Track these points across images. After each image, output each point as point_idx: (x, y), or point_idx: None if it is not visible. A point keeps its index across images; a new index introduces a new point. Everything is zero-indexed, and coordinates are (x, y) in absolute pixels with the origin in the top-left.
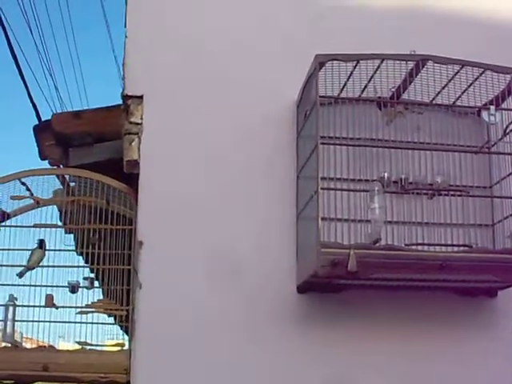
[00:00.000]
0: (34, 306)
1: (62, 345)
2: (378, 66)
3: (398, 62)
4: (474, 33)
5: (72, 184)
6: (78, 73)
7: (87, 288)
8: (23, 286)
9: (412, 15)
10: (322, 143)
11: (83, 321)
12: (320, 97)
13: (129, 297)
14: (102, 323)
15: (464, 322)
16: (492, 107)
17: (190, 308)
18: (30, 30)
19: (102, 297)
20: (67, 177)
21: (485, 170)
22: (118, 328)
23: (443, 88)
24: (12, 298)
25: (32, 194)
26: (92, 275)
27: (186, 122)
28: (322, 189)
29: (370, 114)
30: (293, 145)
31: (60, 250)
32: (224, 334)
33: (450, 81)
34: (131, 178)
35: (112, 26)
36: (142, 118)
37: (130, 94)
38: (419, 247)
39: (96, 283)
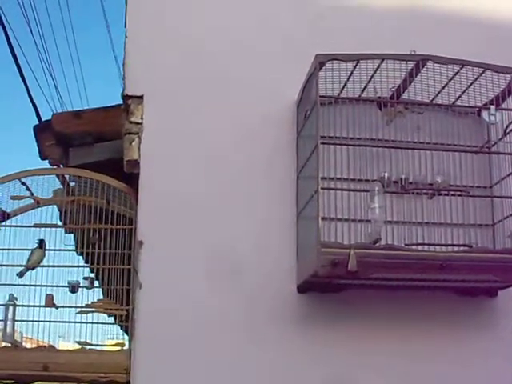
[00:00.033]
0: (34, 306)
1: (62, 345)
2: (378, 66)
3: (398, 61)
4: (473, 33)
5: (72, 184)
6: (78, 73)
7: (87, 288)
8: (23, 285)
9: (412, 15)
10: (322, 143)
11: (83, 321)
12: (320, 97)
13: (129, 297)
14: (102, 323)
15: (464, 322)
16: (492, 107)
17: (189, 308)
18: (30, 29)
19: (102, 297)
20: (67, 176)
21: (485, 170)
22: (118, 328)
23: (443, 88)
24: (12, 298)
25: (32, 194)
26: (92, 275)
27: (186, 122)
28: (322, 188)
29: (370, 114)
30: (293, 145)
31: (60, 250)
32: (224, 334)
33: (450, 81)
34: (131, 178)
35: (112, 26)
36: (142, 118)
37: (130, 93)
38: (419, 247)
39: (96, 283)
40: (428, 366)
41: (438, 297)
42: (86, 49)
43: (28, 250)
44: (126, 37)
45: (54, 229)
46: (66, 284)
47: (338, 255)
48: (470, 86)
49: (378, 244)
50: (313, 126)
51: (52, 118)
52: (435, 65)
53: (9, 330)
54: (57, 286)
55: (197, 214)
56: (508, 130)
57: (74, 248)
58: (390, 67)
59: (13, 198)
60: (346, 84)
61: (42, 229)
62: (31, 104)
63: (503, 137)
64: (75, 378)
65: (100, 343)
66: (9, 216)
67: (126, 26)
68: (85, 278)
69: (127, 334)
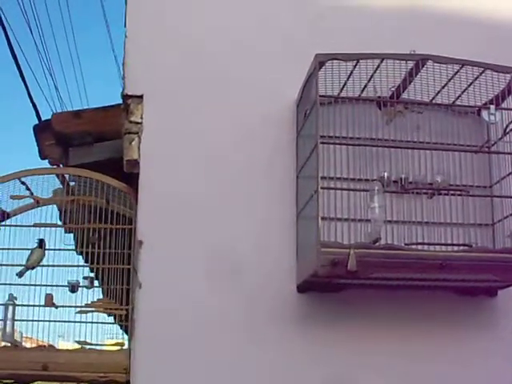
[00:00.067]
0: (33, 306)
1: (62, 344)
2: (378, 66)
3: (397, 61)
4: (473, 33)
5: (72, 183)
6: (78, 73)
7: (87, 287)
8: (23, 285)
9: (412, 15)
10: (322, 143)
11: (83, 320)
12: (320, 96)
13: (128, 296)
14: (101, 323)
15: (464, 322)
16: (492, 107)
17: (189, 307)
18: (30, 29)
19: (101, 296)
20: (67, 176)
21: (485, 170)
22: (118, 327)
23: (443, 87)
24: (12, 298)
25: (32, 194)
26: (92, 274)
27: (186, 122)
28: (321, 188)
29: (369, 114)
30: (293, 144)
31: (60, 250)
32: (224, 334)
33: (449, 80)
34: (131, 178)
35: (112, 25)
36: (141, 118)
37: (129, 93)
38: (419, 247)
39: (96, 283)
40: (428, 366)
41: (438, 296)
42: (85, 49)
43: (28, 249)
44: (125, 36)
45: (53, 228)
46: (66, 284)
47: (337, 255)
48: (469, 85)
49: (377, 244)
50: (312, 125)
51: (52, 117)
52: (435, 64)
53: (8, 329)
54: (56, 286)
55: (196, 213)
56: (508, 130)
57: (73, 248)
58: (390, 67)
59: (12, 197)
60: (345, 84)
61: (42, 228)
62: (31, 104)
63: (503, 136)
64: (75, 377)
65: (100, 343)
66: (8, 215)
67: (125, 26)
68: (84, 278)
69: (127, 333)
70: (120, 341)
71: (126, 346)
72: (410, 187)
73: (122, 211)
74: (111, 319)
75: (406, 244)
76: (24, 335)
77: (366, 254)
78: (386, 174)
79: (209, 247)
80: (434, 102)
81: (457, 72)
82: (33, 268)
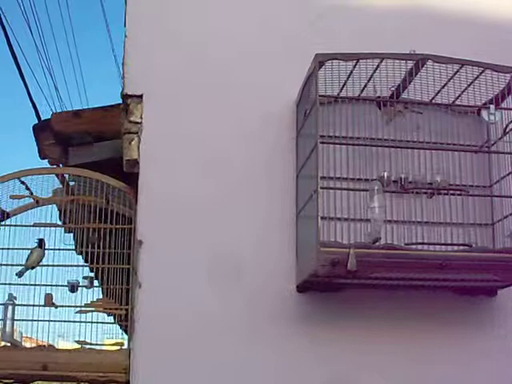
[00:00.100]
0: (33, 305)
1: (62, 344)
2: (378, 66)
3: (397, 61)
4: (473, 33)
5: (71, 183)
6: (78, 72)
7: (87, 287)
8: (23, 285)
9: (412, 15)
10: (322, 142)
11: (83, 320)
12: (320, 96)
13: (128, 296)
14: (101, 322)
15: (464, 321)
16: (492, 106)
17: (189, 307)
18: (30, 29)
19: (101, 296)
20: (67, 176)
21: (484, 169)
22: (118, 327)
23: (443, 87)
24: (11, 297)
25: (31, 193)
26: (91, 274)
27: (186, 121)
28: (321, 188)
29: (369, 114)
30: (292, 144)
31: (59, 250)
32: (223, 333)
33: (449, 80)
34: (131, 177)
35: (112, 26)
36: (141, 117)
37: (129, 93)
38: (419, 246)
39: (95, 282)
40: (427, 365)
41: (438, 296)
42: (85, 49)
43: (27, 249)
44: (125, 36)
45: (53, 228)
46: (66, 283)
47: (337, 255)
48: (469, 85)
49: (377, 243)
50: (312, 125)
51: (51, 117)
52: (435, 64)
53: (8, 329)
54: (56, 286)
55: (196, 213)
56: (507, 130)
57: (73, 247)
58: (390, 67)
59: (12, 197)
60: (345, 83)
61: (42, 228)
62: (31, 103)
63: (503, 136)
64: (74, 377)
65: (99, 343)
66: (8, 215)
67: (125, 26)
68: (84, 278)
69: (126, 333)
70: (119, 340)
71: (125, 346)
72: (410, 187)
73: (122, 211)
74: (111, 319)
75: (405, 244)
76: (24, 335)
77: (365, 253)
78: (385, 173)
79: (209, 247)
80: (433, 101)
81: (456, 72)
82: (32, 268)
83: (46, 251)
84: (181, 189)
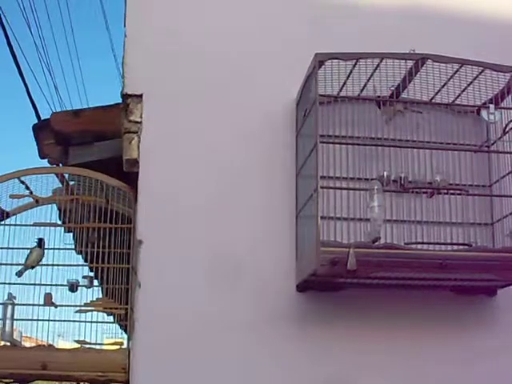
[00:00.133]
0: (33, 305)
1: (61, 343)
2: (378, 65)
3: (397, 60)
4: (474, 33)
5: (71, 182)
6: (78, 72)
7: (86, 287)
8: (22, 284)
9: (412, 15)
10: (322, 142)
11: (82, 320)
12: (319, 95)
13: (128, 295)
14: (101, 322)
15: (464, 321)
16: (491, 106)
17: (189, 307)
18: (30, 29)
19: (101, 295)
20: (66, 175)
21: (484, 169)
22: (118, 327)
23: (443, 87)
24: (11, 297)
25: (31, 193)
26: (91, 274)
27: (186, 121)
28: (321, 187)
29: (369, 113)
30: (292, 144)
31: (59, 249)
32: (223, 333)
33: (449, 79)
34: (131, 177)
35: (112, 25)
36: (141, 117)
37: (129, 92)
38: (419, 246)
39: (95, 282)
40: (427, 365)
41: (438, 296)
42: (85, 48)
43: (27, 248)
44: (125, 36)
45: (53, 228)
46: (66, 283)
47: (337, 254)
48: (469, 84)
49: (377, 243)
50: (312, 124)
51: (51, 116)
52: (434, 64)
53: (8, 328)
54: (56, 285)
55: (196, 212)
56: (507, 129)
57: (73, 247)
58: (390, 66)
59: (12, 196)
60: (345, 83)
61: (42, 228)
62: (30, 103)
63: (502, 136)
64: (74, 376)
65: (99, 342)
66: (8, 215)
67: (125, 26)
68: (84, 277)
69: (126, 333)
70: (119, 340)
71: (125, 346)
72: (410, 186)
73: (122, 210)
74: (110, 318)
75: (405, 243)
76: (23, 334)
77: (365, 253)
78: (385, 173)
79: (208, 246)
80: (433, 101)
81: (456, 71)
82: (32, 267)
83: (46, 251)
84: (181, 188)
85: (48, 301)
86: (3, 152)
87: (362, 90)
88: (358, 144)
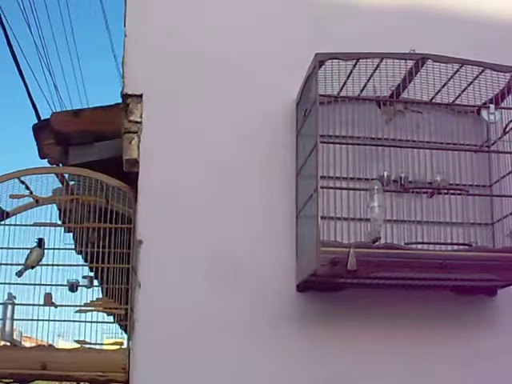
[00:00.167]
0: (33, 305)
1: (61, 343)
2: (378, 65)
3: (397, 60)
4: (474, 32)
5: (71, 182)
6: (78, 72)
7: (86, 287)
8: (22, 284)
9: (412, 15)
10: (322, 142)
11: (82, 319)
12: (320, 95)
13: (128, 295)
14: (101, 322)
15: (464, 321)
16: (492, 106)
17: (189, 307)
18: (30, 29)
19: (101, 295)
20: (66, 175)
21: (484, 169)
22: (118, 327)
23: (443, 87)
24: (11, 297)
25: (31, 193)
26: (91, 274)
27: (186, 121)
28: (321, 187)
29: (369, 113)
30: (292, 144)
31: (59, 249)
32: (223, 333)
33: (449, 79)
34: (131, 177)
35: (112, 25)
36: (141, 117)
37: (129, 92)
38: (419, 246)
39: (95, 282)
40: (427, 365)
41: (438, 296)
42: (85, 48)
43: (27, 248)
44: (125, 36)
45: (53, 228)
46: (66, 283)
47: (337, 254)
48: (469, 84)
49: (377, 243)
50: (312, 124)
51: (51, 116)
52: (435, 64)
53: (8, 328)
54: (56, 285)
55: (196, 212)
56: (507, 129)
57: (73, 247)
58: (390, 66)
59: (12, 196)
60: (345, 83)
61: (42, 228)
62: (31, 103)
63: (503, 136)
64: (74, 376)
65: (99, 342)
66: (8, 215)
67: (125, 26)
68: (84, 277)
69: (126, 332)
70: (119, 340)
71: (125, 346)
72: (410, 186)
73: (122, 210)
74: (110, 318)
75: (405, 243)
76: (23, 334)
77: (365, 253)
78: (385, 173)
79: (208, 246)
80: (433, 101)
81: (456, 71)
82: (32, 267)
83: (46, 251)
84: (181, 188)
85: (48, 301)
86: (3, 152)
87: (362, 90)
88: (358, 144)
